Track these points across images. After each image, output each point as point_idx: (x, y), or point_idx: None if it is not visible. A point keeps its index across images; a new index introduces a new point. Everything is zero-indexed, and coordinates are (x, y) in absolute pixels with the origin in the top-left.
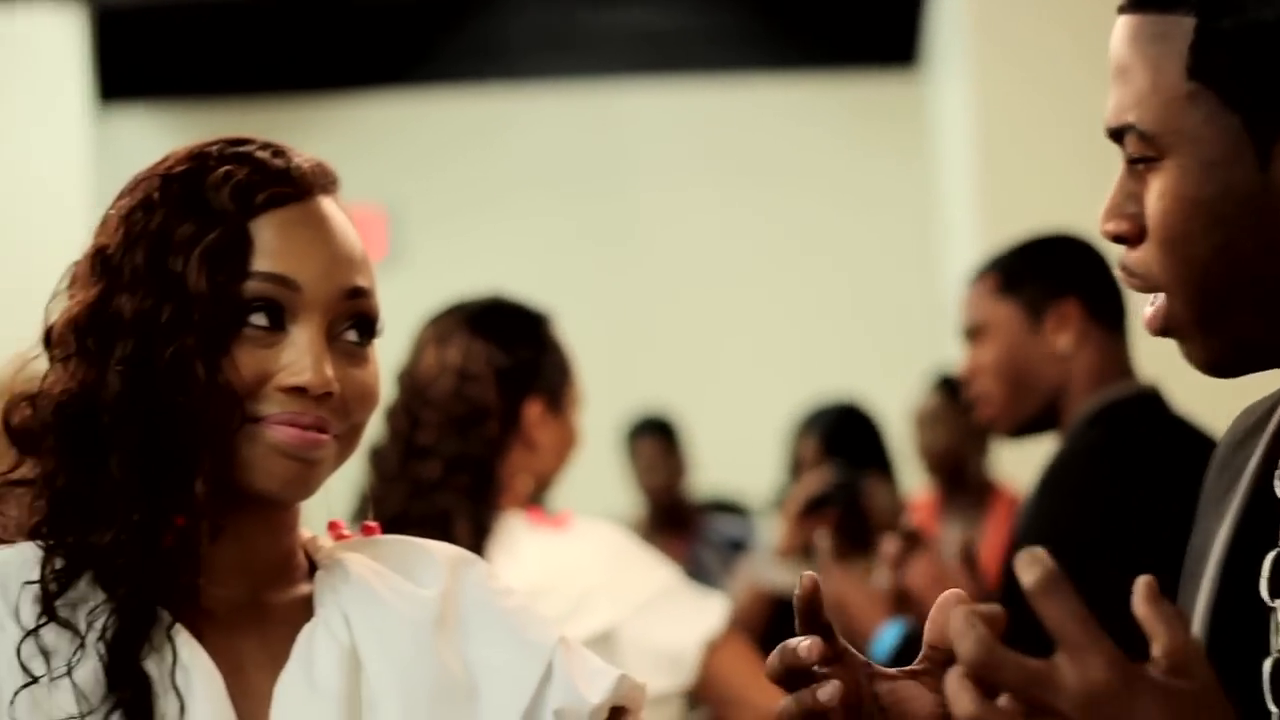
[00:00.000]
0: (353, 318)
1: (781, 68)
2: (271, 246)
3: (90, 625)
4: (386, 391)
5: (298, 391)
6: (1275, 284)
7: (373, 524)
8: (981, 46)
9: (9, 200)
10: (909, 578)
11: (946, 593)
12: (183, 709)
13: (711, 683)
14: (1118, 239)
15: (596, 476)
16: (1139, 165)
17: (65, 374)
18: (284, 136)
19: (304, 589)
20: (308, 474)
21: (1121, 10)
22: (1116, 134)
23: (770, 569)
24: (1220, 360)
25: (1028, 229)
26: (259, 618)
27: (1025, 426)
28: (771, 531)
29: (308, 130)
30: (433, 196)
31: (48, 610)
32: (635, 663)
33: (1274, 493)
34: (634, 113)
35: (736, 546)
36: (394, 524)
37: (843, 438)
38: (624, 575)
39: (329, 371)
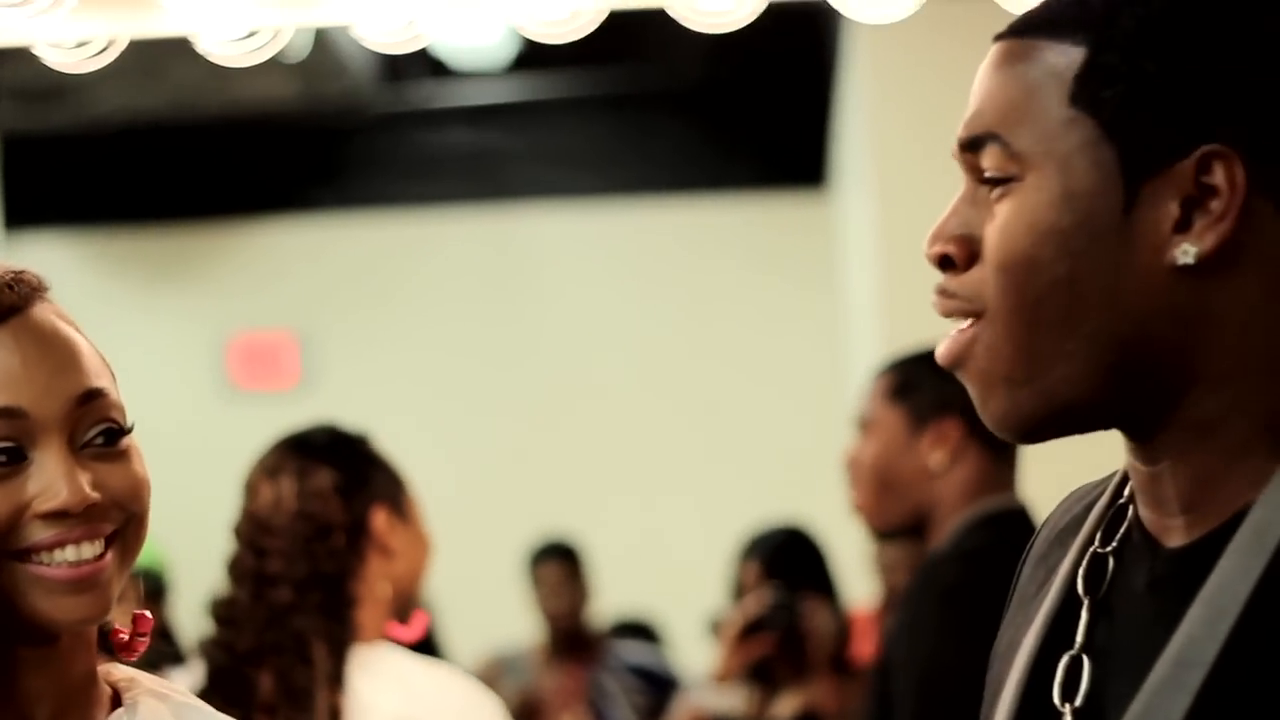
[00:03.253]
0: (95, 423)
1: (691, 189)
2: None
3: None
4: (217, 538)
5: (58, 515)
6: (1103, 339)
7: (143, 612)
8: (883, 167)
9: None
10: None
11: None
12: None
13: None
14: (944, 262)
15: (499, 600)
16: (993, 185)
17: None
18: (193, 263)
19: None
20: (97, 600)
21: (1002, 36)
22: (973, 144)
23: (708, 693)
24: (1020, 413)
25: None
26: None
27: (890, 529)
28: (708, 656)
29: (216, 257)
30: (342, 322)
31: None
32: None
33: (1078, 592)
34: (543, 235)
35: (639, 673)
36: (251, 656)
37: (784, 561)
38: None
39: (85, 487)
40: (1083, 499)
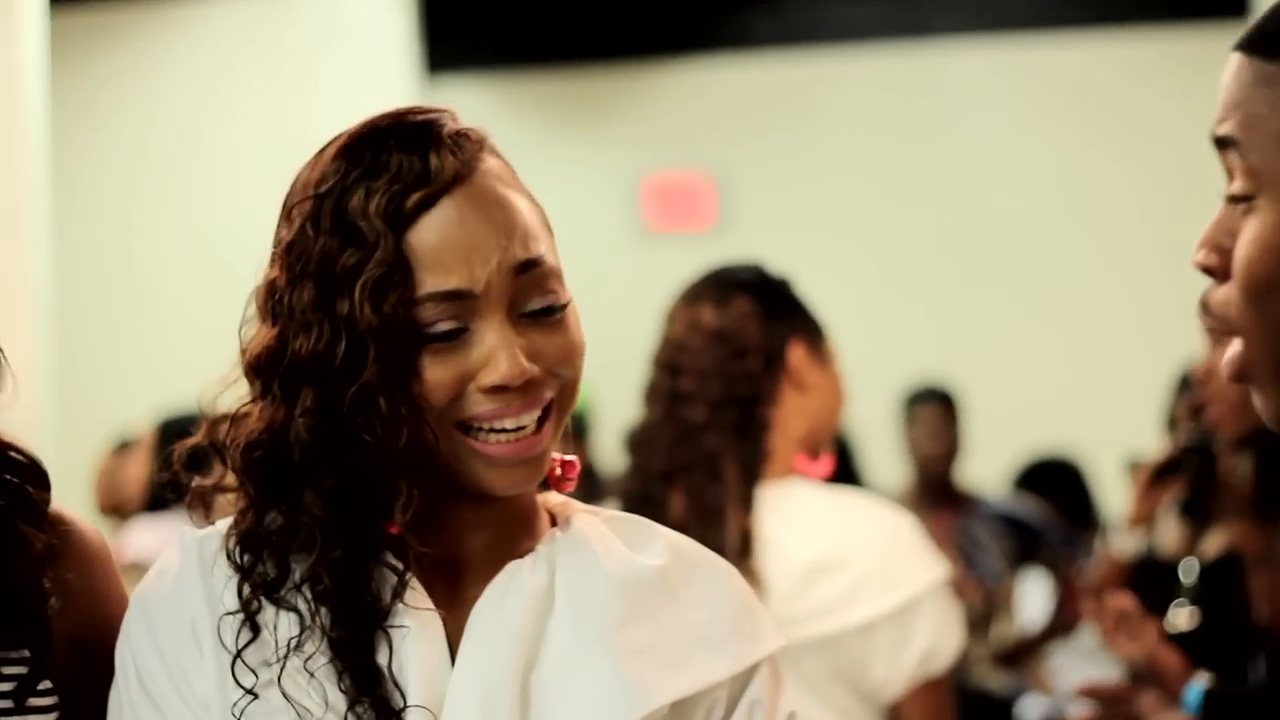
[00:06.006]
0: (534, 293)
1: (1107, 22)
2: (432, 259)
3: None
4: (634, 378)
5: (498, 390)
6: None
7: (572, 459)
8: None
9: None
10: None
11: None
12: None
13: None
14: (1206, 271)
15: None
16: (1238, 203)
17: (255, 412)
18: (608, 105)
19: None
20: (531, 472)
21: (1242, 49)
22: (1220, 143)
23: (1124, 537)
24: None
25: None
26: (487, 571)
27: (1251, 435)
28: (1123, 498)
29: (631, 98)
30: (759, 161)
31: (251, 625)
32: (887, 658)
33: None
34: (958, 71)
35: (1007, 521)
36: (662, 475)
37: None
38: (897, 569)
39: (523, 361)
40: None
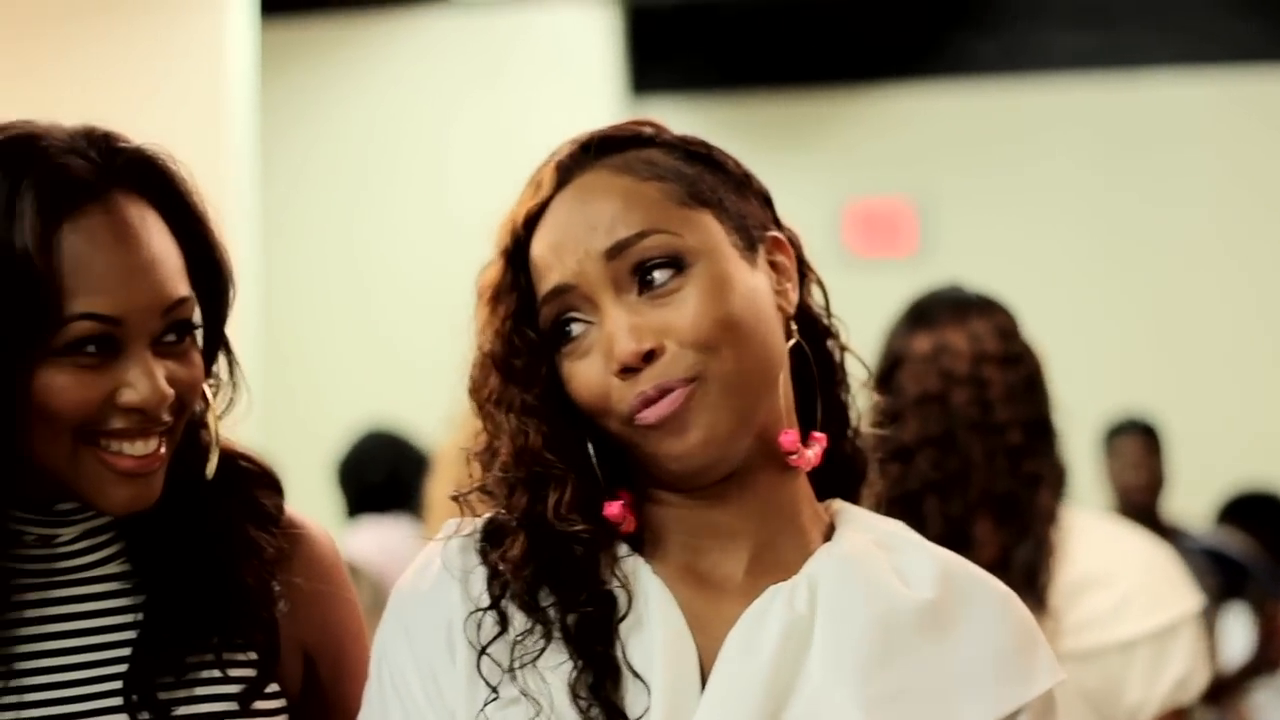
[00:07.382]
0: (641, 269)
1: None
2: (540, 265)
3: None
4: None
5: (628, 371)
6: None
7: (790, 433)
8: None
9: None
10: None
11: None
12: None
13: None
14: None
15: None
16: None
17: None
18: (811, 129)
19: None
20: (686, 433)
21: None
22: None
23: None
24: None
25: None
26: (750, 588)
27: None
28: None
29: (834, 123)
30: (962, 188)
31: (500, 619)
32: (1144, 680)
33: None
34: (1166, 102)
35: (1212, 556)
36: (969, 508)
37: None
38: (1161, 591)
39: (632, 339)
40: None
